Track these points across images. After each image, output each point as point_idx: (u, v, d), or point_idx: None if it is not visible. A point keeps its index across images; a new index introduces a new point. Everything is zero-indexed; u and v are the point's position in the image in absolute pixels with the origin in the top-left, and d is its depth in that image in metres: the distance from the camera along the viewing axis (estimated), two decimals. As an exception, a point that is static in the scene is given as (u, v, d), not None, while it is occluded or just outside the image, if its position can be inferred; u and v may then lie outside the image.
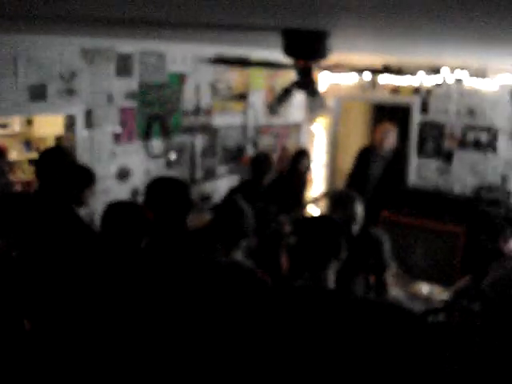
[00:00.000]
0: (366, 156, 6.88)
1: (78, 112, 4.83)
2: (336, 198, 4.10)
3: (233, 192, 5.30)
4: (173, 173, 5.59)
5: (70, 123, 4.88)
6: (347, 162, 7.50)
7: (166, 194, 3.32)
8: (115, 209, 3.12)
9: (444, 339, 3.20)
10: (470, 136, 6.62)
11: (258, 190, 5.37)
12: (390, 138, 6.68)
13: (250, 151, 6.66)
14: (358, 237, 3.97)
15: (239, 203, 3.31)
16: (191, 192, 3.46)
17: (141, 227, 3.05)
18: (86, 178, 4.13)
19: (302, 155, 6.82)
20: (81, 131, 4.88)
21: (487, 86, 6.45)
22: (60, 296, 3.06)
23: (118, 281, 2.93)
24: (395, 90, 7.06)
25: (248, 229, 3.27)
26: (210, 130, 6.09)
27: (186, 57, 5.65)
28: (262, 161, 5.55)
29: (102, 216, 3.05)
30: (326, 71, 5.60)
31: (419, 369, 2.43)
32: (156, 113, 5.45)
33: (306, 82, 3.39)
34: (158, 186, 3.39)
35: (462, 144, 6.67)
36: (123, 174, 5.22)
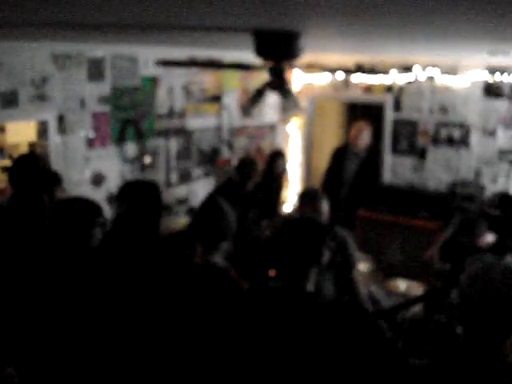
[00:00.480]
0: (340, 155, 6.92)
1: (51, 118, 4.79)
2: (303, 196, 4.12)
3: (215, 194, 5.28)
4: (148, 177, 5.56)
5: (43, 129, 4.83)
6: (322, 162, 7.53)
7: (137, 197, 3.29)
8: (60, 206, 3.12)
9: (406, 336, 3.23)
10: (443, 132, 6.68)
11: (242, 195, 5.37)
12: (364, 137, 6.71)
13: (225, 153, 6.66)
14: None
15: (221, 204, 3.29)
16: (162, 194, 3.43)
17: (86, 221, 3.03)
18: (52, 179, 4.10)
19: (277, 156, 6.83)
20: (54, 137, 4.83)
21: (459, 82, 6.52)
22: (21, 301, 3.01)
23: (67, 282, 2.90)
24: (368, 89, 7.10)
25: (229, 231, 3.25)
26: (184, 133, 6.07)
27: (160, 60, 5.60)
28: (247, 166, 5.55)
29: (50, 214, 3.05)
30: (298, 71, 5.60)
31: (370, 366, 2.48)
32: (129, 117, 5.42)
33: (279, 83, 3.40)
34: (128, 190, 3.36)
35: (436, 141, 6.73)
36: (98, 180, 5.19)
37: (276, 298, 2.66)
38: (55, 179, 4.12)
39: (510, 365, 2.05)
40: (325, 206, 3.99)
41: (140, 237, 3.28)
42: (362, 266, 5.03)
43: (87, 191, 5.08)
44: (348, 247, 4.14)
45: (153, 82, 5.63)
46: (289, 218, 3.71)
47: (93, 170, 5.16)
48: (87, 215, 3.04)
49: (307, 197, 4.07)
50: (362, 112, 8.89)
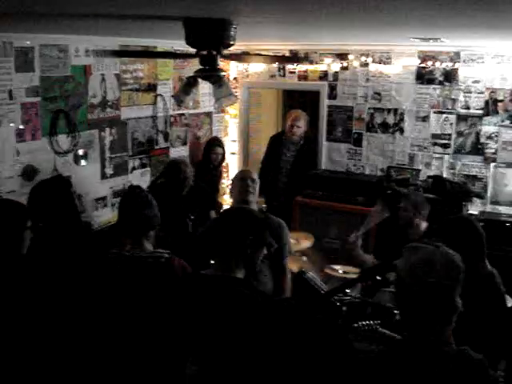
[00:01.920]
0: (277, 142, 6.95)
1: (-23, 110, 4.62)
2: (236, 176, 4.18)
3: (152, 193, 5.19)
4: (81, 169, 5.44)
5: (-31, 122, 4.66)
6: (260, 150, 7.55)
7: (47, 196, 3.21)
8: None
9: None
10: (378, 119, 6.78)
11: (179, 196, 5.28)
12: (301, 124, 6.76)
13: (161, 143, 6.58)
14: None
15: (142, 193, 3.27)
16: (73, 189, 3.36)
17: (17, 224, 2.97)
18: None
19: (214, 144, 6.80)
20: (-20, 130, 4.67)
21: (392, 69, 6.62)
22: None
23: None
24: (304, 76, 7.13)
25: (153, 219, 3.23)
26: (118, 123, 5.95)
27: (89, 49, 5.48)
28: (175, 173, 5.36)
29: None
30: (234, 60, 5.56)
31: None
32: (61, 108, 5.26)
33: (210, 72, 3.36)
34: (38, 191, 3.27)
35: (370, 127, 6.82)
36: (29, 174, 5.02)
37: (208, 285, 2.68)
38: None
39: (449, 353, 2.08)
40: (256, 187, 4.05)
41: (64, 233, 3.21)
42: (303, 245, 5.12)
43: (18, 186, 4.94)
44: (283, 236, 4.18)
45: (84, 71, 5.49)
46: (226, 209, 3.74)
47: (24, 164, 4.99)
48: (17, 218, 2.97)
49: (236, 178, 4.13)
50: (299, 99, 8.95)
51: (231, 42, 3.28)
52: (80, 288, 2.96)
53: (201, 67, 3.44)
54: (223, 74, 3.49)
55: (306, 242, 5.18)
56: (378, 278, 4.14)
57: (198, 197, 5.48)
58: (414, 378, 2.06)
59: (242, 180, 4.07)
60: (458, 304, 2.10)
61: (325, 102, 7.04)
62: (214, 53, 3.30)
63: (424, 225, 4.77)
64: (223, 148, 6.87)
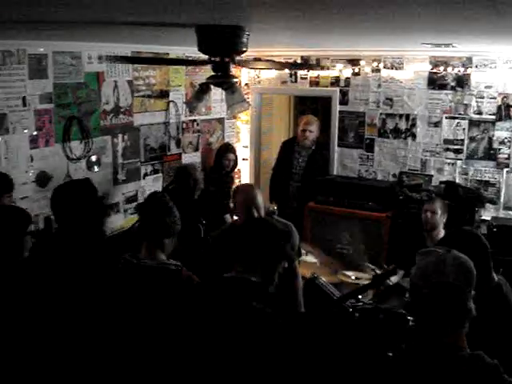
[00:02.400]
0: (289, 148, 6.95)
1: (-9, 117, 4.66)
2: (237, 190, 4.17)
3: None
4: (95, 175, 5.46)
5: (-16, 129, 4.70)
6: (272, 156, 7.55)
7: (72, 199, 3.22)
8: None
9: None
10: (390, 124, 6.77)
11: (191, 201, 5.30)
12: (313, 129, 6.77)
13: (173, 149, 6.60)
14: None
15: (165, 200, 3.27)
16: (98, 192, 3.37)
17: (17, 230, 3.01)
18: (2, 183, 4.00)
19: (226, 150, 6.82)
20: (-6, 137, 4.71)
21: (403, 74, 6.61)
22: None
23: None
24: (315, 82, 7.14)
25: (174, 227, 3.23)
26: (131, 130, 5.98)
27: (102, 56, 5.52)
28: (184, 178, 5.41)
29: None
30: (247, 66, 5.59)
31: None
32: (74, 114, 5.30)
33: (222, 79, 3.38)
34: (61, 194, 3.27)
35: (382, 132, 6.81)
36: (43, 180, 5.06)
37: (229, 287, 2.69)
38: (5, 183, 4.03)
39: (463, 358, 2.08)
40: (259, 196, 4.04)
41: (82, 238, 3.22)
42: (309, 258, 5.08)
43: (32, 192, 4.98)
44: (292, 238, 4.18)
45: (97, 77, 5.53)
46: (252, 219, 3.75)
47: (37, 170, 5.03)
48: (16, 224, 3.01)
49: (239, 194, 4.11)
50: (311, 105, 8.97)
51: (244, 49, 3.29)
52: (79, 293, 2.97)
53: (213, 74, 3.46)
54: (235, 80, 3.50)
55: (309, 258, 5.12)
56: (390, 283, 4.14)
57: (209, 201, 5.50)
58: (429, 383, 2.06)
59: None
60: (471, 308, 2.10)
61: (336, 108, 7.03)
62: (227, 59, 3.31)
63: (443, 231, 4.79)
64: (235, 154, 6.88)
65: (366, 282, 4.60)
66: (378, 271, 4.63)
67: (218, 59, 3.31)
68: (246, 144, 7.82)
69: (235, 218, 4.64)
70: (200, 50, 3.31)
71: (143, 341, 2.98)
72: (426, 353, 2.11)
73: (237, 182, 7.57)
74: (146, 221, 3.23)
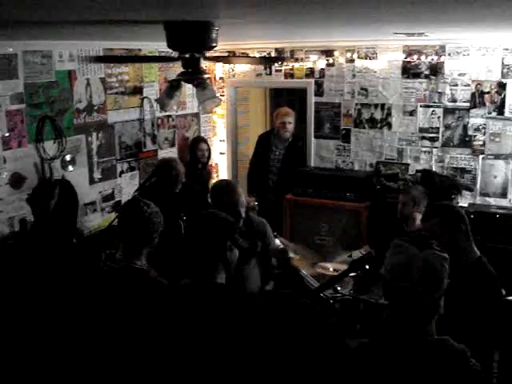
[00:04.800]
0: (266, 141, 6.94)
1: (-39, 119, 4.59)
2: (217, 189, 4.12)
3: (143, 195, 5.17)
4: (70, 175, 5.40)
5: (-47, 131, 4.63)
6: (249, 149, 7.53)
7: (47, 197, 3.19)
8: None
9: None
10: (365, 114, 6.77)
11: (171, 195, 5.26)
12: (292, 121, 6.76)
13: (149, 146, 6.55)
14: (244, 225, 4.02)
15: (146, 208, 3.22)
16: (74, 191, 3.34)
17: None
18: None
19: (197, 141, 6.81)
20: (-35, 139, 4.63)
21: (377, 64, 6.61)
22: None
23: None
24: (290, 74, 7.12)
25: (154, 235, 3.20)
26: (105, 127, 5.92)
27: (73, 54, 5.46)
28: (165, 174, 5.34)
29: None
30: (217, 62, 5.55)
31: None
32: (46, 114, 5.24)
33: (193, 75, 3.35)
34: (40, 192, 3.24)
35: (358, 122, 6.82)
36: (17, 181, 5.00)
37: (186, 294, 2.67)
38: None
39: (429, 343, 2.10)
40: (241, 193, 4.01)
41: (57, 235, 3.19)
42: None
43: (6, 194, 4.91)
44: (267, 234, 4.19)
45: (69, 76, 5.46)
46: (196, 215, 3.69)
47: (10, 172, 4.96)
48: None
49: (221, 189, 4.08)
50: (287, 97, 8.96)
51: (213, 45, 3.26)
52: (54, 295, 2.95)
53: (183, 70, 3.43)
54: (206, 76, 3.47)
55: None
56: (367, 267, 4.14)
57: (189, 196, 5.46)
58: (394, 368, 2.08)
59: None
60: (439, 307, 2.11)
61: (312, 99, 7.02)
62: (197, 55, 3.28)
63: (419, 217, 4.80)
64: (208, 144, 6.87)
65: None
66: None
67: (187, 55, 3.28)
68: (223, 138, 7.79)
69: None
70: (169, 46, 3.27)
71: (114, 341, 2.96)
72: (395, 339, 2.13)
73: (214, 177, 7.55)
74: (124, 232, 3.19)
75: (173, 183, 5.28)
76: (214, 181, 7.38)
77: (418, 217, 4.82)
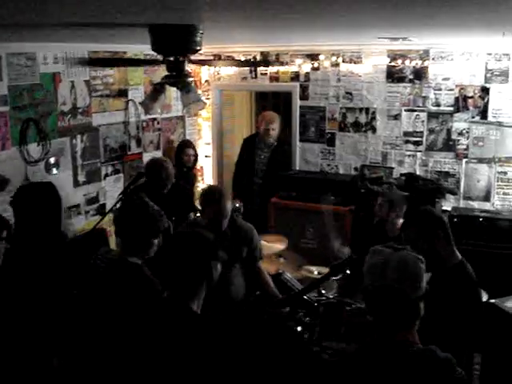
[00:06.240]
0: (251, 144, 6.94)
1: None
2: (207, 196, 4.11)
3: (133, 195, 5.15)
4: (54, 177, 5.37)
5: None
6: (234, 152, 7.53)
7: (33, 199, 3.19)
8: None
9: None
10: (350, 118, 6.80)
11: (161, 196, 5.26)
12: (276, 126, 6.76)
13: (134, 149, 6.54)
14: (230, 229, 4.03)
15: (150, 205, 3.25)
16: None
17: None
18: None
19: (184, 146, 6.80)
20: None
21: (362, 68, 6.64)
22: None
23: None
24: (275, 78, 7.14)
25: (153, 234, 3.22)
26: (90, 130, 5.90)
27: (58, 56, 5.44)
28: (156, 172, 5.35)
29: None
30: (202, 65, 5.54)
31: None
32: (30, 116, 5.21)
33: (177, 78, 3.35)
34: (23, 194, 3.24)
35: (343, 126, 6.85)
36: (0, 184, 4.97)
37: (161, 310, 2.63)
38: None
39: (415, 354, 2.09)
40: (228, 202, 4.00)
41: (42, 238, 3.19)
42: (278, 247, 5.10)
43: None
44: (253, 240, 4.19)
45: (53, 78, 5.44)
46: (178, 232, 3.66)
47: (-6, 175, 4.94)
48: None
49: (209, 196, 4.07)
50: (272, 100, 8.97)
51: (197, 48, 3.27)
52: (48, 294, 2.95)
53: (168, 73, 3.43)
54: (190, 79, 3.48)
55: (280, 245, 5.14)
56: (348, 272, 4.16)
57: (179, 197, 5.45)
58: (381, 379, 2.07)
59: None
60: (419, 308, 2.12)
61: (297, 103, 7.05)
62: (181, 59, 3.29)
63: (400, 222, 4.81)
64: (195, 149, 6.87)
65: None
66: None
67: (172, 59, 3.28)
68: (208, 141, 7.79)
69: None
70: (154, 49, 3.28)
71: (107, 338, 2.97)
72: (378, 350, 2.13)
73: (200, 180, 7.55)
74: (125, 226, 3.21)
75: (163, 183, 5.28)
76: (199, 184, 7.38)
77: (399, 221, 4.83)
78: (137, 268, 3.11)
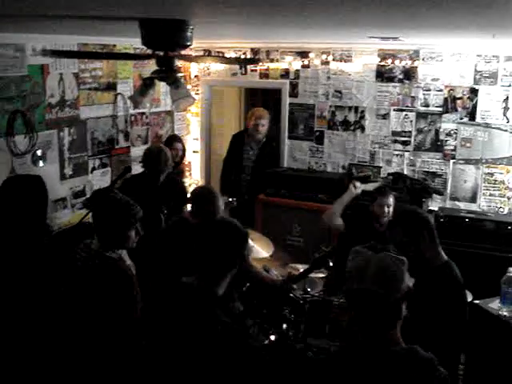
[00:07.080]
0: (239, 141, 6.93)
1: None
2: (200, 196, 4.10)
3: (125, 186, 5.13)
4: (41, 170, 5.33)
5: None
6: (222, 148, 7.52)
7: (19, 192, 3.17)
8: None
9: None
10: (339, 116, 6.81)
11: (154, 187, 5.24)
12: (265, 122, 6.76)
13: (122, 143, 6.50)
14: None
15: (119, 196, 3.24)
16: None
17: None
18: None
19: (172, 140, 6.77)
20: None
21: (352, 67, 6.65)
22: None
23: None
24: (265, 74, 7.13)
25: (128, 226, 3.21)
26: (77, 123, 5.86)
27: (46, 47, 5.38)
28: (155, 157, 5.35)
29: None
30: (191, 61, 5.51)
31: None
32: (17, 108, 5.16)
33: (166, 73, 3.33)
34: (8, 186, 3.22)
35: (332, 124, 6.85)
36: (-14, 176, 4.93)
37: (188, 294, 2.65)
38: None
39: (397, 353, 2.09)
40: (220, 202, 4.01)
41: (26, 231, 3.17)
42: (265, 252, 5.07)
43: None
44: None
45: (41, 70, 5.39)
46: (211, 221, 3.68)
47: (-20, 166, 4.89)
48: None
49: (202, 196, 4.06)
50: (262, 97, 8.96)
51: (188, 43, 3.25)
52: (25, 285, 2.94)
53: (157, 68, 3.41)
54: (180, 75, 3.46)
55: (265, 252, 5.05)
56: (331, 264, 4.17)
57: (172, 190, 5.44)
58: (363, 379, 2.07)
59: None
60: (400, 310, 2.11)
61: (286, 100, 7.04)
62: (171, 54, 3.27)
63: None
64: (183, 144, 6.85)
65: (316, 276, 4.63)
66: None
67: (161, 53, 3.27)
68: (197, 136, 7.77)
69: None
70: (144, 43, 3.25)
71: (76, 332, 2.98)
72: (361, 349, 2.13)
73: (187, 175, 7.53)
74: (100, 220, 3.20)
75: (161, 167, 5.31)
76: (186, 179, 7.36)
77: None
78: (112, 262, 3.10)
